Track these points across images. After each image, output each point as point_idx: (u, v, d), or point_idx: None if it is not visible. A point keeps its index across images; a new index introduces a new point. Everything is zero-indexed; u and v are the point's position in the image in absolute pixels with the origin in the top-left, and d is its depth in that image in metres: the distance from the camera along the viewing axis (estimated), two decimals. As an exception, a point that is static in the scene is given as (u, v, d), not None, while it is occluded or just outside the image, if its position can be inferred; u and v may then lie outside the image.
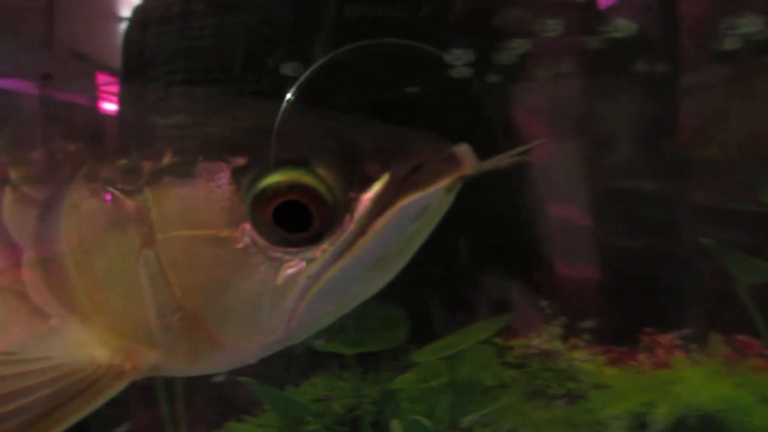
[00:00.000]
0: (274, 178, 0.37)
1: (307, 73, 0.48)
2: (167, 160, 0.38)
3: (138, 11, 0.76)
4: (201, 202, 0.37)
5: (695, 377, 0.96)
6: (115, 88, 0.73)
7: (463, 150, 0.39)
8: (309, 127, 0.42)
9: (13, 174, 0.39)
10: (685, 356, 0.99)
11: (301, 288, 0.38)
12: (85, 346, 0.39)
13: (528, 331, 0.97)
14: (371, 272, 0.41)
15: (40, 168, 0.40)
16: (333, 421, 0.89)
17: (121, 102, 0.49)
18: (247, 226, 0.37)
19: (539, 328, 0.97)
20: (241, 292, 0.38)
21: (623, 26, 0.79)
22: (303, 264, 0.38)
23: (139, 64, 0.75)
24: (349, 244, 0.38)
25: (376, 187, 0.38)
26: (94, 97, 0.59)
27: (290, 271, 0.38)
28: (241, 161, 0.38)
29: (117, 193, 0.38)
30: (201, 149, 0.38)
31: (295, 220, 0.38)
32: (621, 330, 1.01)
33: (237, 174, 0.37)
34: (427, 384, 0.89)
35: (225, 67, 0.73)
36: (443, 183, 0.38)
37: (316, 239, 0.38)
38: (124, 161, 0.38)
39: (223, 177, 0.37)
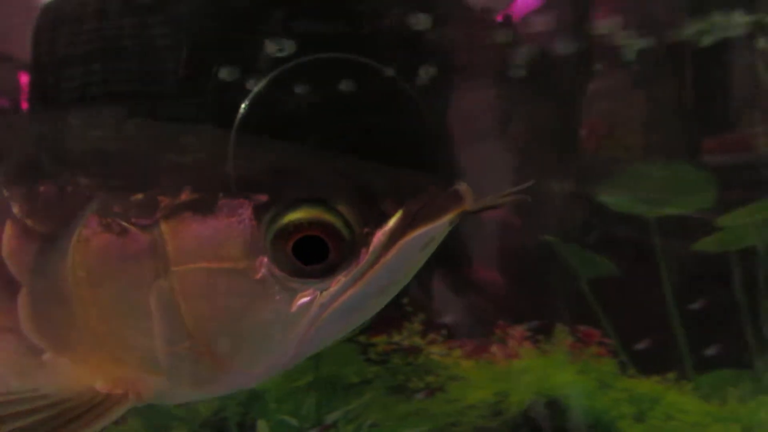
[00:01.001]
0: (296, 215, 0.39)
1: (262, 84, 0.52)
2: (186, 195, 0.39)
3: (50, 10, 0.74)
4: (220, 237, 0.38)
5: (543, 366, 1.03)
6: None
7: (463, 188, 0.42)
8: (325, 166, 0.44)
9: (15, 208, 0.38)
10: (533, 347, 1.06)
11: (313, 315, 0.40)
12: (80, 378, 0.39)
13: (389, 328, 1.01)
14: (377, 298, 0.43)
15: (46, 202, 0.39)
16: (199, 425, 0.89)
17: (130, 136, 0.48)
18: (265, 259, 0.39)
19: (400, 325, 1.01)
20: (255, 320, 0.40)
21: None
22: (317, 293, 0.40)
23: (50, 65, 0.74)
24: (362, 274, 0.40)
25: (391, 223, 0.40)
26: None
27: (304, 300, 0.40)
28: (262, 198, 0.39)
29: (131, 227, 0.38)
30: (222, 186, 0.39)
31: (311, 250, 0.39)
32: (476, 324, 1.07)
33: (258, 210, 0.39)
34: (293, 383, 0.91)
35: (144, 71, 0.72)
36: (448, 217, 0.41)
37: (331, 271, 0.40)
38: (138, 196, 0.38)
39: (245, 213, 0.39)
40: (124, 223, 0.38)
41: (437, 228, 0.41)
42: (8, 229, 0.39)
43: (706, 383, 1.03)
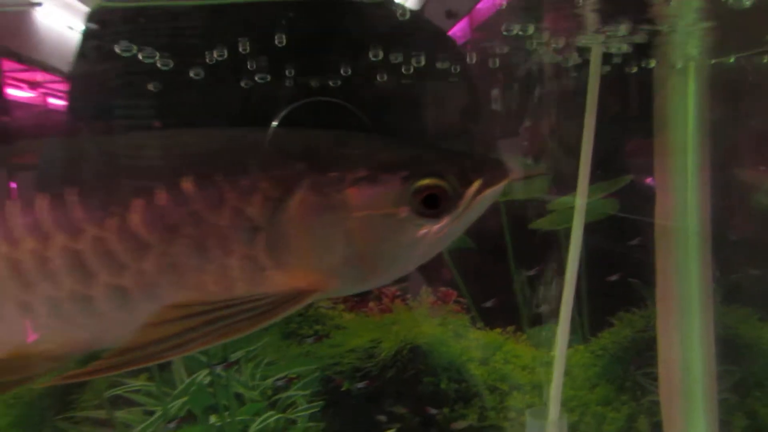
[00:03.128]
0: (425, 182, 0.60)
1: (290, 107, 0.73)
2: (362, 173, 0.59)
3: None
4: (382, 196, 0.59)
5: (410, 319, 1.20)
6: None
7: (511, 164, 0.65)
8: (437, 152, 0.67)
9: (262, 183, 0.58)
10: (403, 304, 1.23)
11: (429, 240, 0.61)
12: (289, 283, 0.58)
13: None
14: (459, 231, 0.65)
15: (279, 179, 0.58)
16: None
17: (319, 137, 0.67)
18: (406, 207, 0.60)
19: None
20: (397, 243, 0.61)
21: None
22: (432, 227, 0.61)
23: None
24: (457, 217, 0.62)
25: (475, 186, 0.62)
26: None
27: (425, 230, 0.61)
28: (405, 173, 0.60)
29: (330, 191, 0.58)
30: (383, 167, 0.61)
31: (431, 202, 0.61)
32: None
33: (404, 180, 0.60)
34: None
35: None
36: (504, 182, 0.64)
37: (441, 214, 0.61)
38: (334, 174, 0.59)
39: (396, 182, 0.60)
40: (326, 190, 0.59)
41: (499, 189, 0.64)
42: (256, 196, 0.58)
43: (536, 335, 1.22)
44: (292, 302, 0.57)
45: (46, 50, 0.93)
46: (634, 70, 0.99)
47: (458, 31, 0.99)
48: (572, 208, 0.98)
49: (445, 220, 0.61)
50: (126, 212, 0.58)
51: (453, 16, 0.96)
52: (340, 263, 0.60)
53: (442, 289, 1.24)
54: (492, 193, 0.63)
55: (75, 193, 0.58)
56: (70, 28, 0.86)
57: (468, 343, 1.21)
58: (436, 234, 0.62)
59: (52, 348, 0.60)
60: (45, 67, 0.98)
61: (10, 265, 0.58)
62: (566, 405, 1.22)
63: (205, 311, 0.56)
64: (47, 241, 0.58)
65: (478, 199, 0.62)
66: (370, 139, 0.71)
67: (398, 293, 1.23)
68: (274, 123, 0.71)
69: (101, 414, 1.06)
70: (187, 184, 0.58)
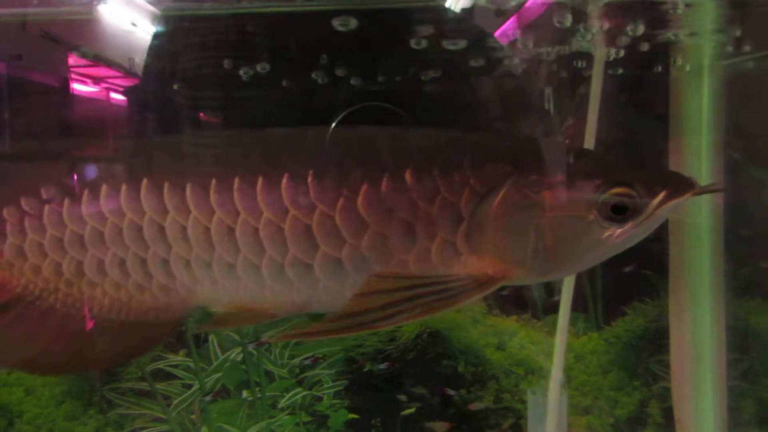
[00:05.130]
0: (615, 191, 0.64)
1: (346, 111, 0.76)
2: (559, 178, 0.65)
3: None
4: (575, 200, 0.64)
5: None
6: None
7: (694, 179, 0.69)
8: (626, 167, 0.70)
9: (472, 180, 0.64)
10: None
11: (611, 242, 0.65)
12: (480, 268, 0.64)
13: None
14: (639, 238, 0.69)
15: (487, 177, 0.64)
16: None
17: (517, 143, 0.73)
18: (595, 212, 0.64)
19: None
20: (582, 242, 0.65)
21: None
22: (616, 231, 0.65)
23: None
24: (639, 223, 0.65)
25: (660, 197, 0.65)
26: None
27: (609, 233, 0.65)
28: (598, 183, 0.64)
29: (529, 192, 0.64)
30: (578, 174, 0.66)
31: (618, 208, 0.64)
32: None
33: (596, 188, 0.64)
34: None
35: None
36: (686, 196, 0.67)
37: (626, 220, 0.65)
38: (533, 177, 0.64)
39: (590, 189, 0.64)
40: (526, 191, 0.64)
41: (681, 201, 0.67)
42: (465, 191, 0.64)
43: (551, 322, 1.23)
44: (482, 287, 0.63)
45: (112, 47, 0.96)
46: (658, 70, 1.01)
47: (507, 29, 1.01)
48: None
49: (628, 226, 0.65)
50: (354, 195, 0.65)
51: (502, 14, 0.98)
52: (528, 255, 0.64)
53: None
54: (674, 204, 0.67)
55: (311, 175, 0.66)
56: (134, 24, 0.90)
57: (485, 329, 1.27)
58: (618, 237, 0.65)
59: (269, 307, 0.68)
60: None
61: (248, 231, 0.66)
62: (580, 389, 1.28)
63: (406, 286, 0.62)
64: (283, 215, 0.66)
65: (661, 209, 0.66)
66: (567, 147, 0.77)
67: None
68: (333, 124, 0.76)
69: (143, 386, 1.15)
70: (409, 176, 0.65)
